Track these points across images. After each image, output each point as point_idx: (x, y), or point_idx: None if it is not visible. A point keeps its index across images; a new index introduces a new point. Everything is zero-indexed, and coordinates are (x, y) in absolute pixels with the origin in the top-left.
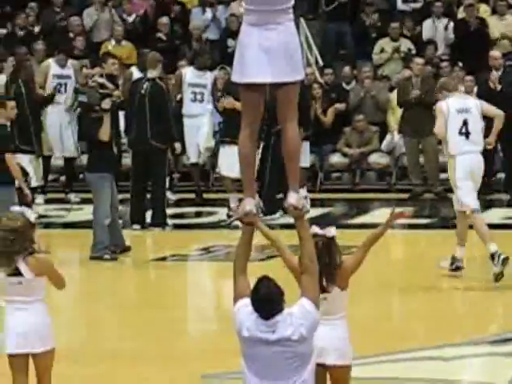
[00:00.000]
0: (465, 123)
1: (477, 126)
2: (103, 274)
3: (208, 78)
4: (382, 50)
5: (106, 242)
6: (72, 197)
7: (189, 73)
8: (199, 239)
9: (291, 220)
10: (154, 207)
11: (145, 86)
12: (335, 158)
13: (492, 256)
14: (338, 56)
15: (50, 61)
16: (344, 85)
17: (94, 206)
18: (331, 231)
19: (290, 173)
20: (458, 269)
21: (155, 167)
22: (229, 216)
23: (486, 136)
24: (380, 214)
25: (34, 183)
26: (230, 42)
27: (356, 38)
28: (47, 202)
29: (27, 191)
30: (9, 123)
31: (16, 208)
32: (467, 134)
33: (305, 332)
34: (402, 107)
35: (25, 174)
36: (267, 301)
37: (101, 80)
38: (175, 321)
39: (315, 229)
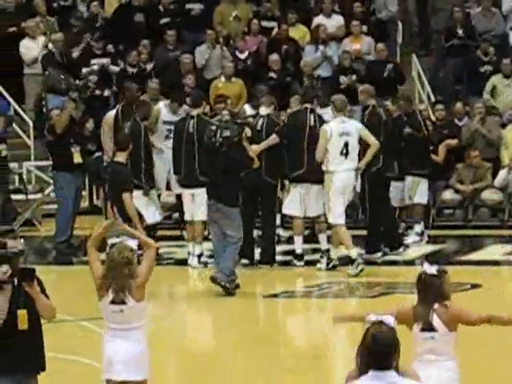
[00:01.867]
0: (346, 145)
1: (355, 148)
2: (215, 309)
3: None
4: (495, 87)
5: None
6: (185, 233)
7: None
8: (310, 276)
9: (397, 257)
10: (264, 245)
11: (260, 121)
12: (448, 195)
13: (352, 261)
14: (453, 92)
15: (161, 105)
16: (456, 121)
17: (234, 240)
18: (432, 269)
19: None
20: (334, 267)
21: (265, 203)
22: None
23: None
24: (493, 251)
25: (149, 220)
26: (342, 78)
27: (469, 73)
28: (160, 239)
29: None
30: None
31: (115, 239)
32: (347, 154)
33: None
34: None
35: (139, 215)
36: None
37: (227, 112)
38: (285, 357)
39: (425, 265)
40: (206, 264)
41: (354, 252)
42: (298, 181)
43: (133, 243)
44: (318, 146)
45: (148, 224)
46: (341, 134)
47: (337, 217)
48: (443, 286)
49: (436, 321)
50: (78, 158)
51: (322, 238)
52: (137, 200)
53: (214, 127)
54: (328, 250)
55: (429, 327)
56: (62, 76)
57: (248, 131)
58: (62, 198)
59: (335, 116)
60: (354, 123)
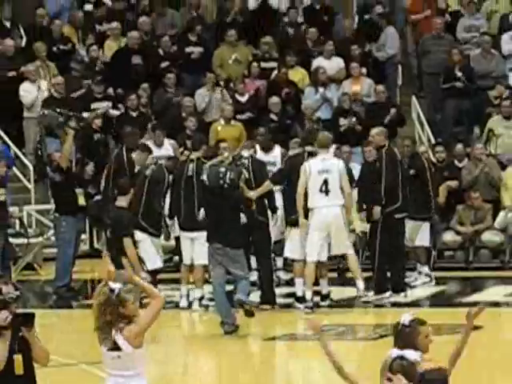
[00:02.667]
0: (325, 182)
1: (336, 185)
2: (215, 352)
3: None
4: (491, 130)
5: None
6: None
7: None
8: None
9: (400, 299)
10: (263, 286)
11: (245, 162)
12: (448, 236)
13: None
14: (453, 133)
15: (148, 143)
16: (456, 162)
17: (243, 277)
18: (406, 319)
19: None
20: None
21: (259, 243)
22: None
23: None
24: (494, 292)
25: (152, 266)
26: (342, 120)
27: (475, 115)
28: (160, 282)
29: (143, 276)
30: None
31: (112, 284)
32: (327, 192)
33: None
34: None
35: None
36: None
37: (228, 154)
38: None
39: (404, 315)
40: (207, 307)
41: (309, 294)
42: (295, 225)
43: (116, 285)
44: (298, 184)
45: (149, 269)
46: (320, 171)
47: (308, 254)
48: (416, 338)
49: None
50: (81, 201)
51: (323, 282)
52: (141, 243)
53: (223, 169)
54: (328, 295)
55: None
56: (58, 109)
57: (245, 173)
58: (63, 242)
59: (318, 153)
60: (337, 162)
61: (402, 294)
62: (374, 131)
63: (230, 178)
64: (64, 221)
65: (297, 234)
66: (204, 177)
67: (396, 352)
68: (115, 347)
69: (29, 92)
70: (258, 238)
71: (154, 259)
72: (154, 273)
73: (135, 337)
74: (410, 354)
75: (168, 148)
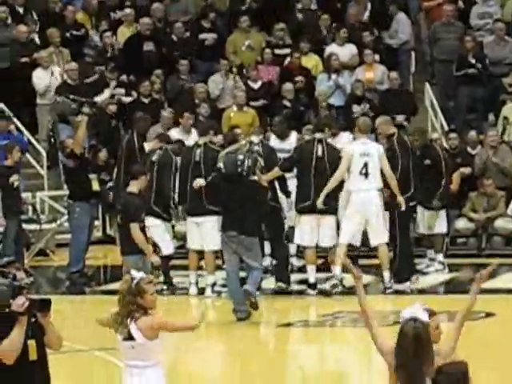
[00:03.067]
0: (365, 165)
1: (375, 168)
2: (229, 339)
3: None
4: (506, 117)
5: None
6: (202, 263)
7: None
8: (324, 305)
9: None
10: (278, 270)
11: (256, 148)
12: (461, 223)
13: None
14: (466, 120)
15: (173, 133)
16: (469, 149)
17: (257, 268)
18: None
19: None
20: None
21: (273, 229)
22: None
23: None
24: (507, 279)
25: (166, 251)
26: (355, 107)
27: (489, 102)
28: (172, 268)
29: (155, 260)
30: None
31: (134, 272)
32: (366, 175)
33: None
34: None
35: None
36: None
37: (245, 142)
38: None
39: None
40: (219, 293)
41: (338, 271)
42: (306, 212)
43: (138, 274)
44: (339, 167)
45: (163, 255)
46: (361, 154)
47: (341, 234)
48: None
49: None
50: (95, 186)
51: (335, 268)
52: (155, 229)
53: (241, 157)
54: (341, 281)
55: None
56: (71, 96)
57: (261, 161)
58: (77, 228)
59: (357, 137)
60: (376, 146)
61: (408, 282)
62: (379, 120)
63: (248, 166)
64: (78, 207)
65: (306, 221)
66: (220, 164)
67: (408, 312)
68: (129, 337)
69: (42, 78)
70: (271, 224)
71: (167, 245)
72: (167, 258)
73: (149, 329)
74: (423, 315)
75: (195, 138)
